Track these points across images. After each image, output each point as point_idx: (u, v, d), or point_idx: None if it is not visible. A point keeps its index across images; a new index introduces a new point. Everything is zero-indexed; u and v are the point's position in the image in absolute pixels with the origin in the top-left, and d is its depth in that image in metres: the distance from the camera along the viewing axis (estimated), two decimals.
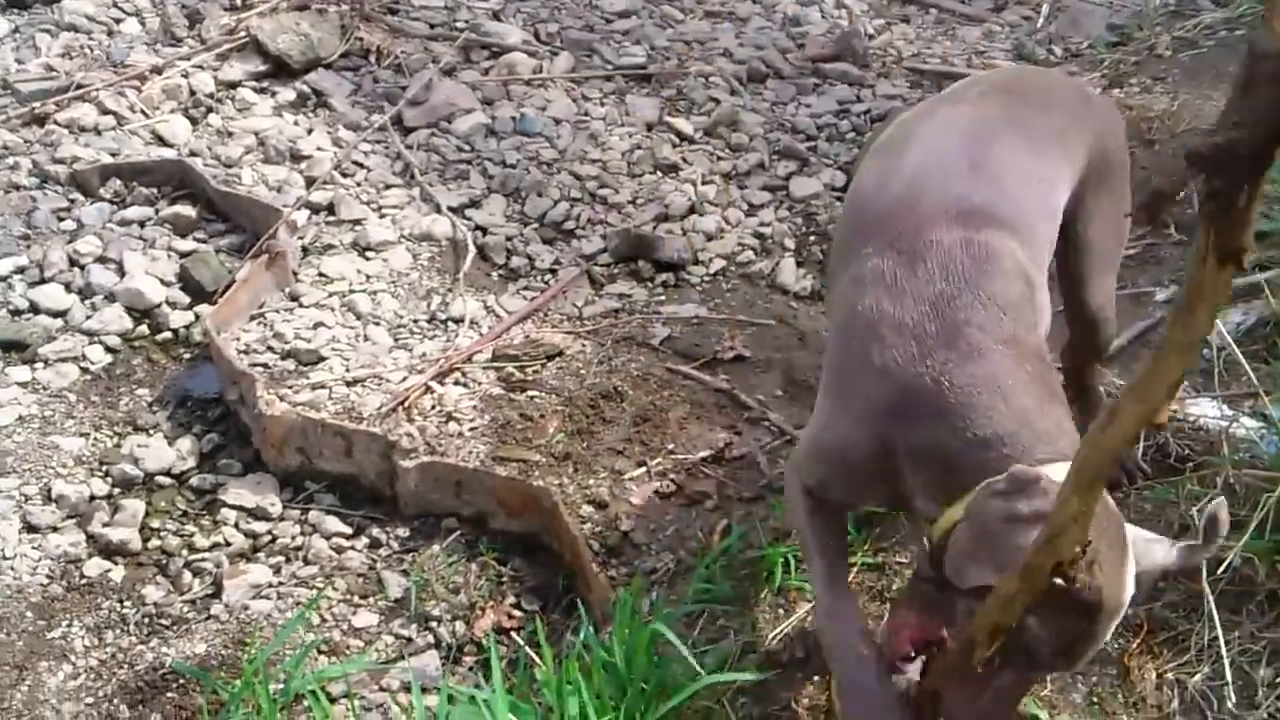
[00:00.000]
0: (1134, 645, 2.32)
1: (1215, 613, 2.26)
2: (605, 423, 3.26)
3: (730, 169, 4.44)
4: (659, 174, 4.39)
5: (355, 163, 4.35)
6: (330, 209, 4.12)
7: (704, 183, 4.33)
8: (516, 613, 2.91)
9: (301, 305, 3.75)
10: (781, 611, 2.57)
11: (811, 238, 4.08)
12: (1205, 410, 2.79)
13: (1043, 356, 2.00)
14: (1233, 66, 4.47)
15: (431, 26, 5.20)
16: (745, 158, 4.48)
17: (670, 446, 3.16)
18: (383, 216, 4.12)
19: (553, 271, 3.97)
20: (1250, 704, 2.19)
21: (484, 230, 4.10)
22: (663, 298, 3.84)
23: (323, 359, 3.54)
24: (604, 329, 3.65)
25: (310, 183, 4.19)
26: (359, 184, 4.26)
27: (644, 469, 3.11)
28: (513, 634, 2.82)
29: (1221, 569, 2.28)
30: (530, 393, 3.38)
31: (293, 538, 3.12)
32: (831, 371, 2.17)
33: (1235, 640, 2.26)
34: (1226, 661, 2.22)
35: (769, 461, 3.05)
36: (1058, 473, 1.70)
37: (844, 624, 2.07)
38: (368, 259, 3.94)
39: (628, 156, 4.47)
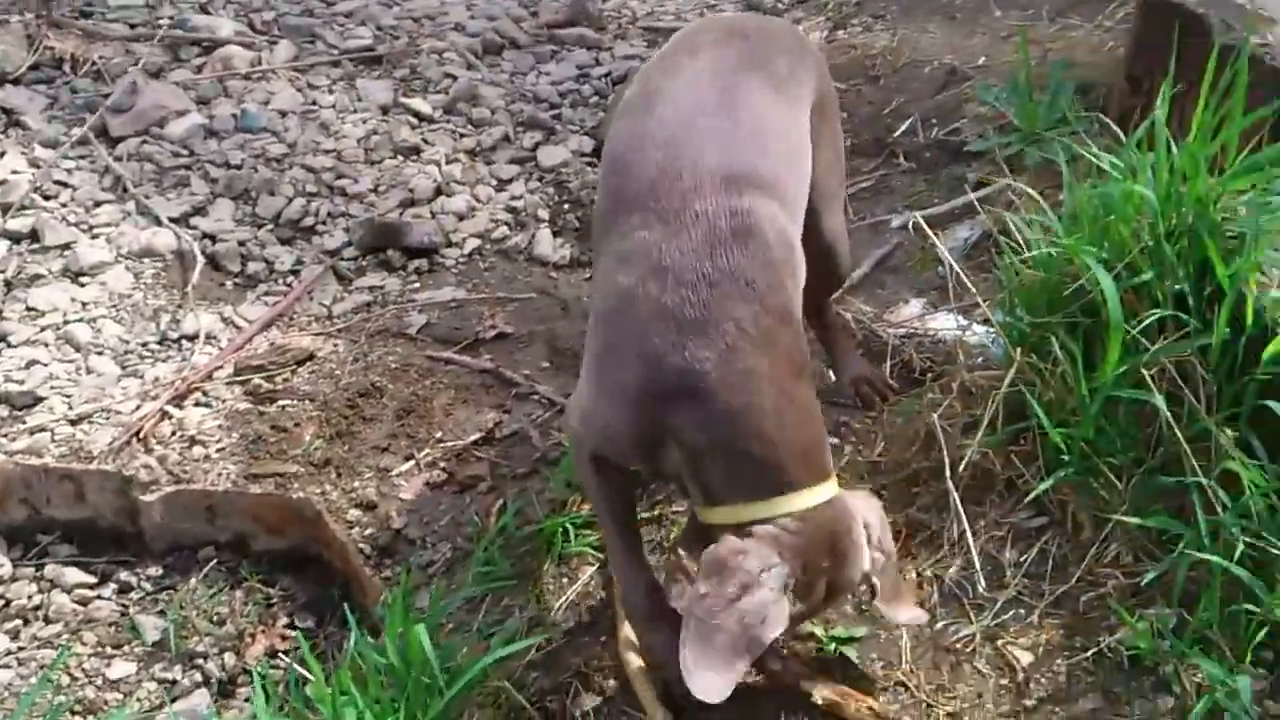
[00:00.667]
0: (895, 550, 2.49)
1: (961, 508, 2.46)
2: (366, 421, 3.27)
3: (474, 145, 4.49)
4: (400, 158, 4.41)
5: (57, 182, 4.20)
6: (33, 236, 3.96)
7: (448, 162, 4.37)
8: (291, 633, 2.88)
9: (9, 345, 3.59)
10: (565, 580, 2.64)
11: (565, 206, 4.17)
12: (942, 324, 3.06)
13: (796, 350, 2.12)
14: None
15: (132, 27, 5.08)
16: (489, 132, 4.54)
17: (438, 435, 3.19)
18: (95, 237, 3.99)
19: (295, 272, 3.94)
20: (1000, 585, 2.40)
21: (213, 238, 4.03)
22: (417, 285, 3.86)
23: (40, 399, 3.41)
24: (356, 325, 3.65)
25: (6, 210, 4.02)
26: (64, 205, 4.11)
27: (412, 462, 3.13)
28: (287, 655, 2.80)
29: (962, 466, 2.49)
30: (281, 402, 3.36)
31: (29, 597, 3.00)
32: (598, 349, 2.24)
33: (982, 529, 2.47)
34: (975, 551, 2.43)
35: (541, 435, 3.11)
36: (771, 508, 1.99)
37: (636, 573, 2.28)
38: (83, 285, 3.81)
39: (364, 143, 4.47)
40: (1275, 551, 2.10)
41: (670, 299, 2.06)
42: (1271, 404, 2.16)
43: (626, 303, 2.12)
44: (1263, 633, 2.10)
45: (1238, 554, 2.11)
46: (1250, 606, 2.11)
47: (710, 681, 1.92)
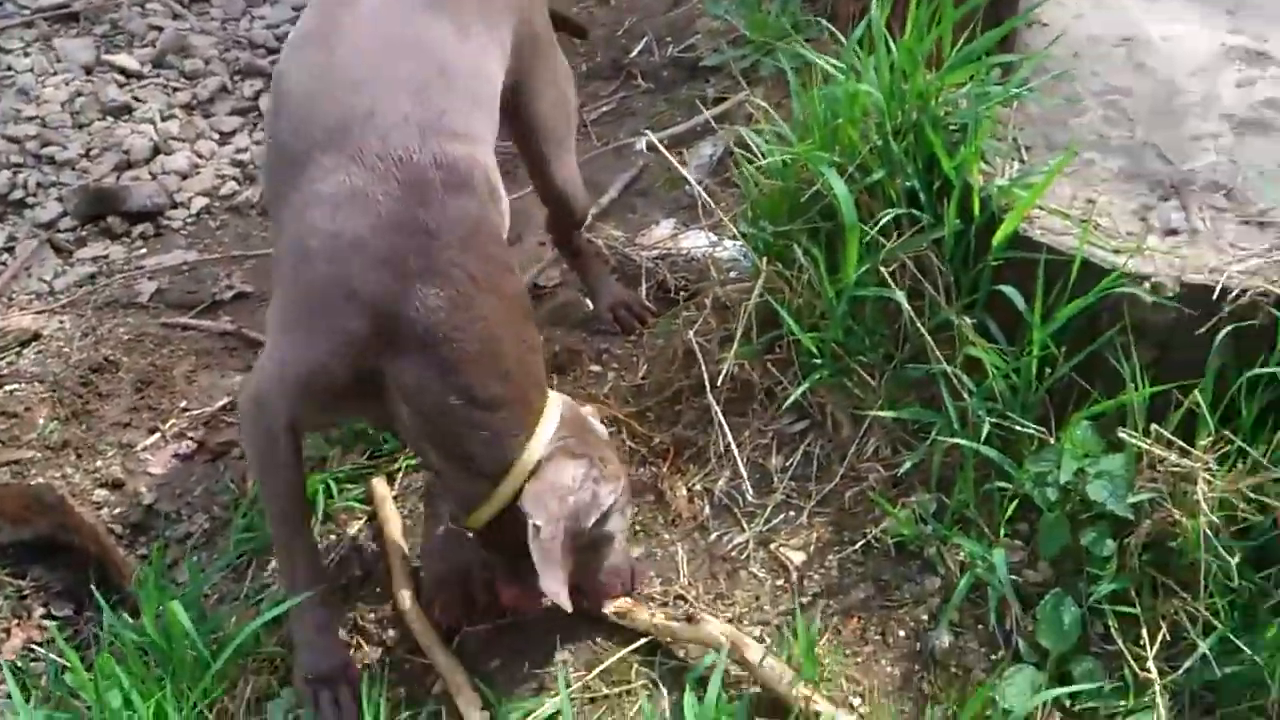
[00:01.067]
0: (664, 469, 2.56)
1: (724, 420, 2.54)
2: (102, 398, 3.14)
3: (190, 99, 4.32)
4: (110, 119, 4.22)
5: None
6: None
7: (164, 119, 4.21)
8: (49, 623, 2.75)
9: None
10: (334, 537, 2.60)
11: None
12: (694, 242, 3.13)
13: (521, 294, 2.20)
14: None
15: None
16: (204, 84, 4.37)
17: (183, 404, 3.10)
18: None
19: (8, 250, 3.77)
20: (769, 491, 2.49)
21: None
22: (144, 251, 3.73)
23: None
24: (81, 299, 3.51)
25: None
26: None
27: (158, 435, 3.03)
28: (44, 647, 2.67)
29: (722, 379, 2.56)
30: (8, 387, 3.20)
31: None
32: (297, 298, 2.14)
33: (746, 439, 2.55)
34: (741, 461, 2.51)
35: None
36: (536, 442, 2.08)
37: (308, 572, 2.26)
38: None
39: (69, 106, 4.26)
40: (1019, 429, 2.24)
41: (387, 245, 2.03)
42: (1004, 288, 2.28)
43: (337, 248, 2.06)
44: (1013, 506, 2.24)
45: (985, 434, 2.24)
46: (1002, 484, 2.25)
47: (560, 592, 2.02)
